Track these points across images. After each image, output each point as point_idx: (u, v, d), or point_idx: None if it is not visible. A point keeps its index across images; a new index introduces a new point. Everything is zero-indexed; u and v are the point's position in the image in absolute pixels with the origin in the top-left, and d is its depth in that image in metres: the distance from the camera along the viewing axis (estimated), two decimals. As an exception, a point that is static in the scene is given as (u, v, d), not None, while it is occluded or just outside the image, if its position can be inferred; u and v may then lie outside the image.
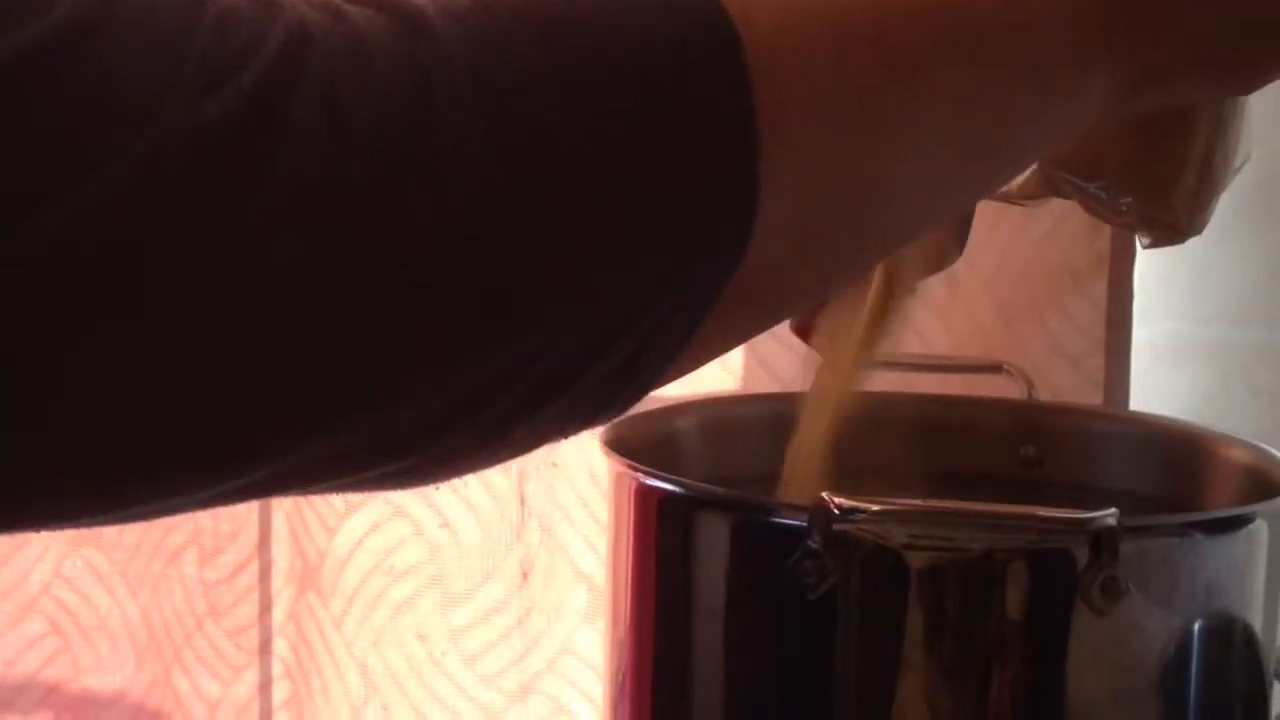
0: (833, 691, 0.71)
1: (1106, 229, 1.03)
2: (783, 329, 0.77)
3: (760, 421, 0.92)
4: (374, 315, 0.44)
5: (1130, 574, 0.67)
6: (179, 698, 1.24)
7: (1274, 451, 0.81)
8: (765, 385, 1.08)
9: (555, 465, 1.12)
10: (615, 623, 0.79)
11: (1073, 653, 0.70)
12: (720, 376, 1.09)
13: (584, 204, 0.45)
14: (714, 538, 0.74)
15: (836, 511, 0.66)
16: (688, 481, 0.76)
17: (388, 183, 0.43)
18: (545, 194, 0.45)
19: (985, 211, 0.75)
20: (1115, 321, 1.05)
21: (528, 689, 1.14)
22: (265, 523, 1.20)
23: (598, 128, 0.45)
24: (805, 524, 0.67)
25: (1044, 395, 0.98)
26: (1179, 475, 0.87)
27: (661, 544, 0.76)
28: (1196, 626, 0.71)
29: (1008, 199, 0.70)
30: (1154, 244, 0.68)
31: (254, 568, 1.21)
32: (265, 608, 1.21)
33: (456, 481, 1.13)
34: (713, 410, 0.93)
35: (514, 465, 1.12)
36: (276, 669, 1.21)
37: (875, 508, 0.67)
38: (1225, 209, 0.69)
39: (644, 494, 0.76)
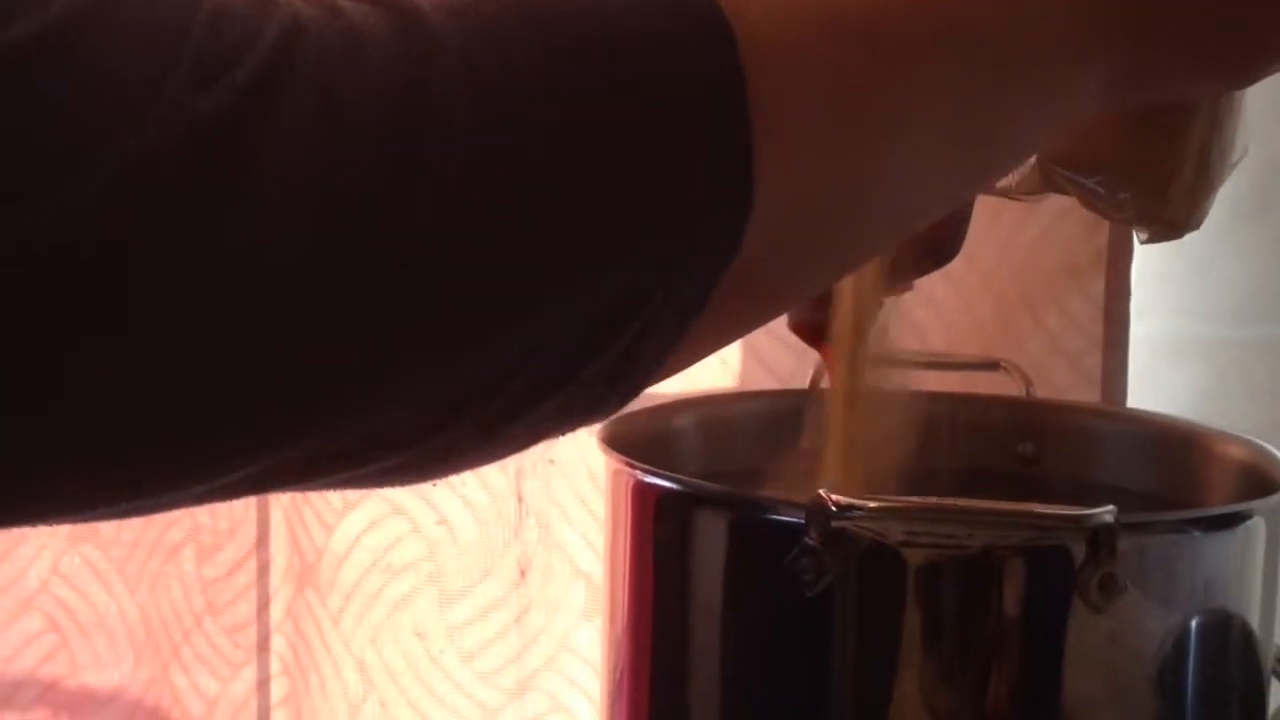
0: (830, 688, 0.71)
1: (1105, 226, 1.03)
2: (780, 327, 0.77)
3: (758, 419, 0.92)
4: (370, 312, 0.43)
5: (1128, 571, 0.67)
6: (177, 695, 1.24)
7: (1271, 448, 0.81)
8: (763, 383, 1.08)
9: (553, 463, 1.12)
10: (613, 620, 0.79)
11: (1070, 650, 0.70)
12: (718, 374, 1.09)
13: (579, 199, 0.45)
14: (712, 535, 0.74)
15: (834, 508, 0.66)
16: (685, 478, 0.76)
17: (383, 179, 0.43)
18: (541, 190, 0.45)
19: (983, 208, 0.75)
20: (1113, 319, 1.05)
21: (525, 686, 1.14)
22: (263, 520, 1.20)
23: (592, 124, 0.45)
24: (803, 521, 0.67)
25: (1042, 392, 0.98)
26: (1176, 472, 0.87)
27: (659, 541, 0.76)
28: (1194, 623, 0.71)
29: (1006, 195, 0.70)
30: (1151, 239, 0.68)
31: (252, 565, 1.21)
32: (263, 605, 1.21)
33: (454, 479, 1.13)
34: (710, 407, 0.93)
35: (511, 463, 1.12)
36: (274, 666, 1.21)
37: (873, 505, 0.67)
38: (1223, 207, 0.69)
39: (642, 491, 0.76)
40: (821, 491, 0.66)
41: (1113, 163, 0.66)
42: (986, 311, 1.06)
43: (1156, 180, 0.66)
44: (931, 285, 0.99)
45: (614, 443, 0.79)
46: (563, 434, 0.50)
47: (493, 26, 0.45)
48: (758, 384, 1.08)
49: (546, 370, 0.46)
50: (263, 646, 1.21)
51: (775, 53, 0.48)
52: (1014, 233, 1.05)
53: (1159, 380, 1.15)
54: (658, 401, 0.89)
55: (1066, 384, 1.05)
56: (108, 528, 1.24)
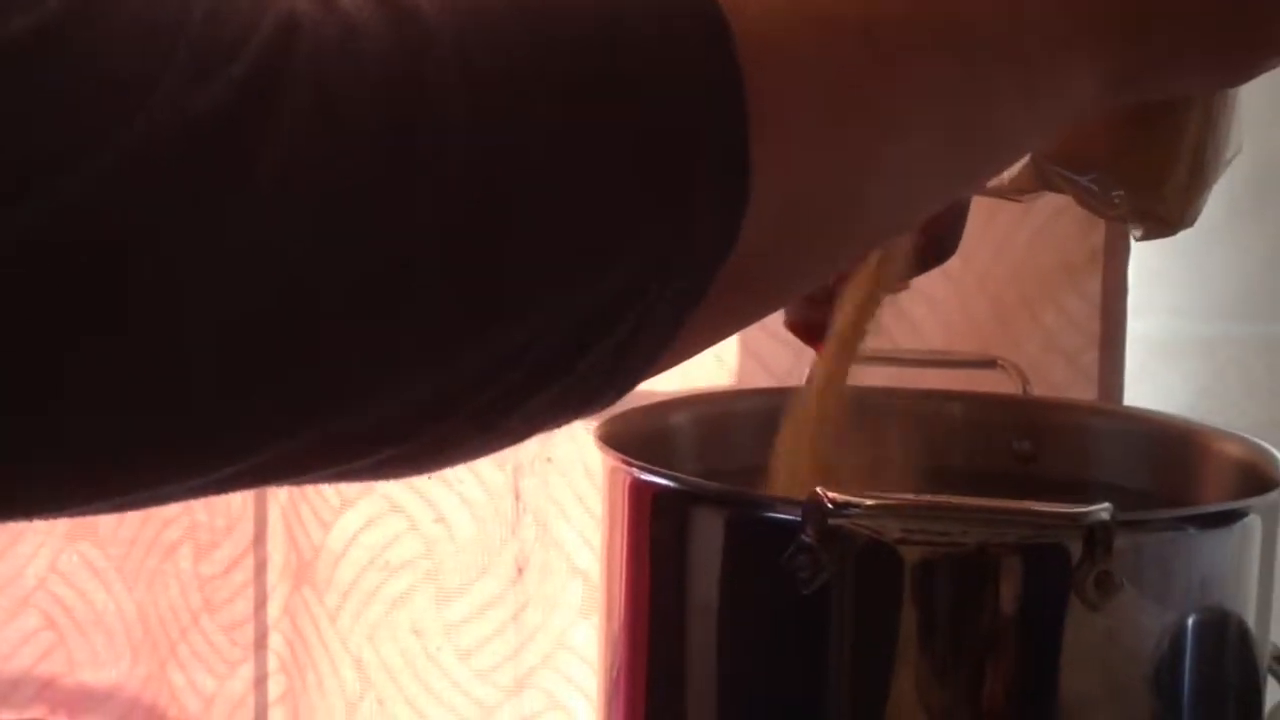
0: (827, 686, 0.71)
1: (1101, 224, 1.03)
2: (777, 325, 0.77)
3: (754, 416, 0.92)
4: (370, 309, 0.44)
5: (1124, 569, 0.67)
6: (174, 693, 1.24)
7: (1268, 446, 0.81)
8: (760, 380, 1.08)
9: (550, 460, 1.12)
10: (610, 617, 0.79)
11: (1066, 647, 0.70)
12: (715, 371, 1.09)
13: (579, 197, 0.45)
14: (708, 532, 0.74)
15: (831, 506, 0.66)
16: (682, 476, 0.76)
17: (379, 173, 0.43)
18: (541, 188, 0.45)
19: (979, 207, 0.75)
20: (1110, 316, 1.05)
21: (523, 684, 1.14)
22: (261, 518, 1.20)
23: (588, 118, 0.45)
24: (799, 519, 0.67)
25: (1038, 390, 0.98)
26: (1173, 470, 0.87)
27: (656, 539, 0.76)
28: (1190, 621, 0.71)
29: (1001, 194, 0.70)
30: (1146, 236, 0.68)
31: (249, 563, 1.21)
32: (260, 603, 1.21)
33: (452, 477, 1.13)
34: (707, 405, 0.93)
35: (509, 461, 1.12)
36: (272, 664, 1.21)
37: (869, 502, 0.67)
38: (1218, 204, 0.69)
39: (638, 489, 0.76)
40: (818, 489, 0.66)
41: (1107, 160, 0.66)
42: (983, 310, 1.06)
43: (1151, 177, 0.66)
44: (929, 284, 0.99)
45: (611, 440, 0.79)
46: (558, 427, 0.50)
47: (488, 21, 0.45)
48: (754, 382, 1.08)
49: (542, 364, 0.46)
50: (260, 644, 1.21)
51: (772, 50, 0.48)
52: (1010, 231, 1.05)
53: (1156, 378, 1.15)
54: (654, 399, 0.89)
55: (1063, 382, 1.05)
56: (105, 526, 1.24)
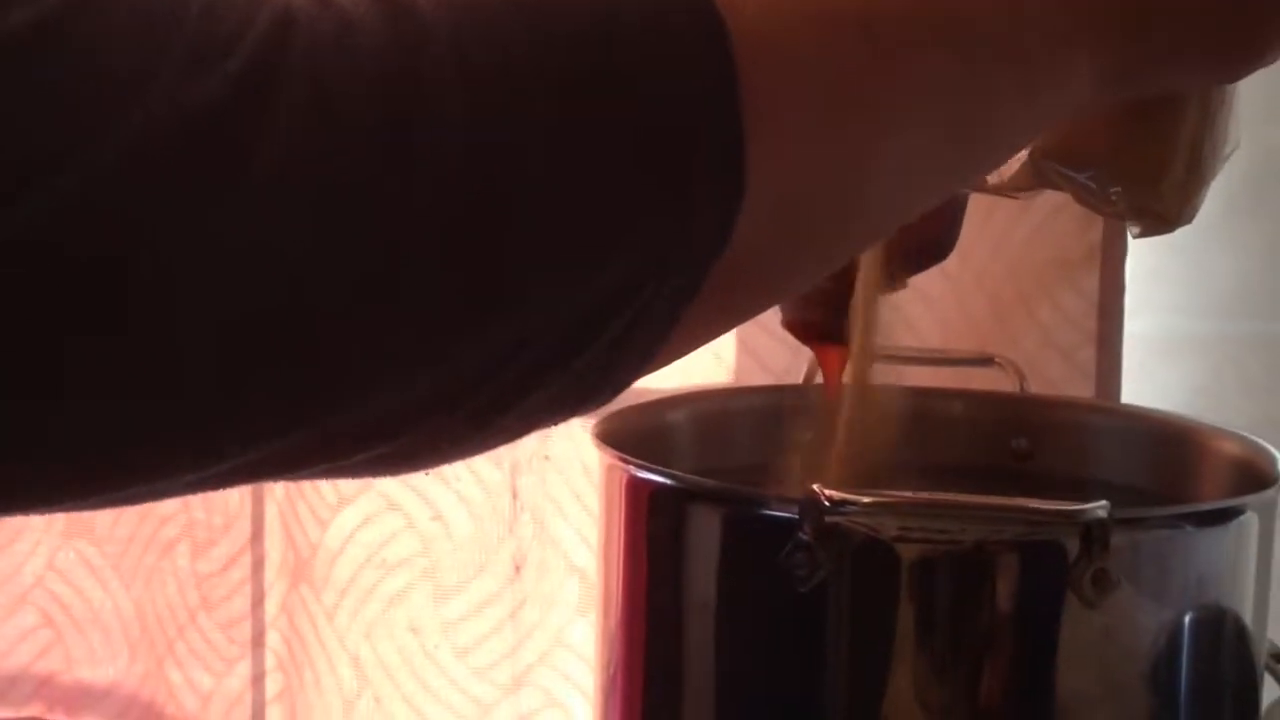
0: (824, 683, 0.71)
1: (1098, 222, 1.03)
2: (774, 323, 0.77)
3: (752, 414, 0.92)
4: (369, 306, 0.44)
5: (1121, 566, 0.67)
6: (172, 690, 1.24)
7: (1265, 444, 0.81)
8: (757, 378, 1.08)
9: (548, 458, 1.12)
10: (606, 615, 0.79)
11: (1063, 645, 0.70)
12: (712, 369, 1.09)
13: (571, 190, 0.45)
14: (705, 530, 0.74)
15: (828, 504, 0.66)
16: (679, 474, 0.76)
17: (376, 169, 0.43)
18: (534, 180, 0.45)
19: (977, 205, 0.75)
20: (1107, 314, 1.05)
21: (520, 681, 1.14)
22: (258, 516, 1.20)
23: (582, 113, 0.45)
24: (796, 516, 0.67)
25: (1036, 388, 0.98)
26: (1170, 468, 0.87)
27: (653, 537, 0.76)
28: (1187, 618, 0.71)
29: (999, 192, 0.70)
30: (1144, 233, 0.68)
31: (247, 561, 1.21)
32: (258, 601, 1.21)
33: (449, 474, 1.13)
34: (704, 403, 0.93)
35: (506, 458, 1.12)
36: (269, 662, 1.21)
37: (866, 500, 0.67)
38: (1216, 202, 0.69)
39: (635, 487, 0.76)
40: (815, 487, 0.66)
41: (1105, 157, 0.66)
42: (981, 308, 1.06)
43: (1148, 174, 0.66)
44: (926, 282, 0.99)
45: (608, 438, 0.79)
46: (555, 424, 0.50)
47: (484, 17, 0.45)
48: (752, 380, 1.08)
49: (538, 360, 0.46)
50: (257, 642, 1.21)
51: (769, 46, 0.48)
52: (1008, 229, 1.05)
53: (1154, 376, 1.15)
54: (652, 397, 0.89)
55: (1060, 379, 1.05)
56: (103, 523, 1.24)
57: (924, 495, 0.70)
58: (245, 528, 1.20)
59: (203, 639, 1.22)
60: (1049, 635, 0.70)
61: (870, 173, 0.51)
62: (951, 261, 0.79)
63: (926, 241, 0.75)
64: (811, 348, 0.82)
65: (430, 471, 1.11)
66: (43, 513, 0.46)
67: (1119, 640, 0.70)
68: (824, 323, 0.78)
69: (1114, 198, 0.66)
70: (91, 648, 1.25)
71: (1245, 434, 0.84)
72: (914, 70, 0.52)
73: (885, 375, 0.91)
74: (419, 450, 0.48)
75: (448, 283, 0.44)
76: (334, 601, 1.16)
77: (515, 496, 1.13)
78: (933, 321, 1.06)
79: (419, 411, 0.46)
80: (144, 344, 0.41)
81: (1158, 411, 0.92)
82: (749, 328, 1.06)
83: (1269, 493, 0.75)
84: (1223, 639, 0.74)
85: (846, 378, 0.79)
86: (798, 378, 0.96)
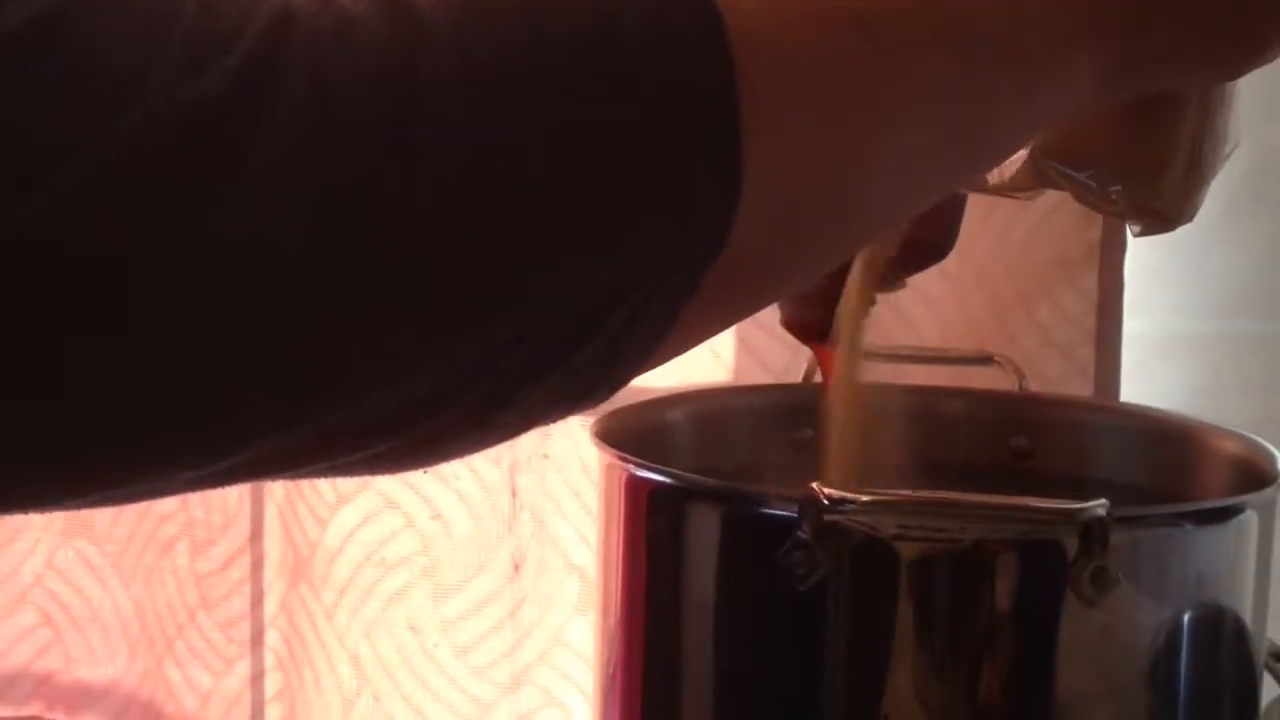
0: (823, 682, 0.71)
1: (1097, 220, 1.03)
2: (774, 321, 0.77)
3: (751, 413, 0.92)
4: (368, 304, 0.44)
5: (1120, 564, 0.67)
6: (171, 689, 1.24)
7: (1264, 443, 0.81)
8: (756, 377, 1.08)
9: (547, 457, 1.12)
10: (606, 614, 0.79)
11: (1063, 643, 0.70)
12: (711, 368, 1.09)
13: (571, 189, 0.45)
14: (704, 529, 0.74)
15: (826, 502, 0.66)
16: (678, 472, 0.76)
17: (375, 167, 0.43)
18: (535, 178, 0.45)
19: (976, 204, 0.75)
20: (1106, 313, 1.05)
21: (519, 680, 1.14)
22: (257, 515, 1.20)
23: (582, 112, 0.45)
24: (795, 515, 0.67)
25: (1035, 386, 0.98)
26: (1169, 466, 0.87)
27: (652, 535, 0.76)
28: (1186, 617, 0.71)
29: (999, 192, 0.70)
30: (1144, 232, 0.68)
31: (246, 560, 1.21)
32: (257, 599, 1.21)
33: (448, 473, 1.13)
34: (704, 402, 0.93)
35: (506, 457, 1.12)
36: (269, 661, 1.21)
37: (865, 498, 0.67)
38: (1216, 201, 0.69)
39: (634, 485, 0.76)
40: (814, 485, 0.66)
41: (1105, 156, 0.66)
42: (980, 307, 1.06)
43: (1149, 173, 0.66)
44: (926, 281, 0.99)
45: (607, 437, 0.79)
46: (553, 421, 0.50)
47: (484, 15, 0.45)
48: (751, 378, 1.08)
49: (536, 357, 0.46)
50: (257, 641, 1.21)
51: (768, 45, 0.48)
52: (1007, 228, 1.05)
53: (1153, 376, 1.15)
54: (651, 395, 0.89)
55: (1059, 378, 1.05)
56: (102, 522, 1.24)
57: (923, 494, 0.70)
58: (244, 527, 1.20)
59: (202, 638, 1.22)
60: (1048, 634, 0.70)
61: (869, 172, 0.51)
62: (951, 261, 0.79)
63: (926, 241, 0.75)
64: (810, 347, 0.82)
65: (429, 470, 1.11)
66: (42, 511, 0.46)
67: (1118, 639, 0.70)
68: (823, 322, 0.78)
69: (1114, 196, 0.66)
70: (91, 647, 1.25)
71: (1244, 433, 0.84)
72: (914, 70, 0.52)
73: (885, 374, 0.91)
74: (418, 447, 0.48)
75: (448, 281, 0.44)
76: (333, 600, 1.16)
77: (514, 495, 1.13)
78: (932, 320, 1.06)
79: (418, 409, 0.46)
80: (144, 343, 0.41)
81: (1157, 410, 0.92)
82: (748, 326, 1.06)
83: (1268, 491, 0.75)
84: (1222, 637, 0.74)
85: (834, 377, 0.79)
86: (797, 377, 0.96)
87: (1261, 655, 0.76)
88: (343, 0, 0.44)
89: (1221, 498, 0.79)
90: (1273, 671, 0.79)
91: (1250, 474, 0.79)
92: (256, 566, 1.20)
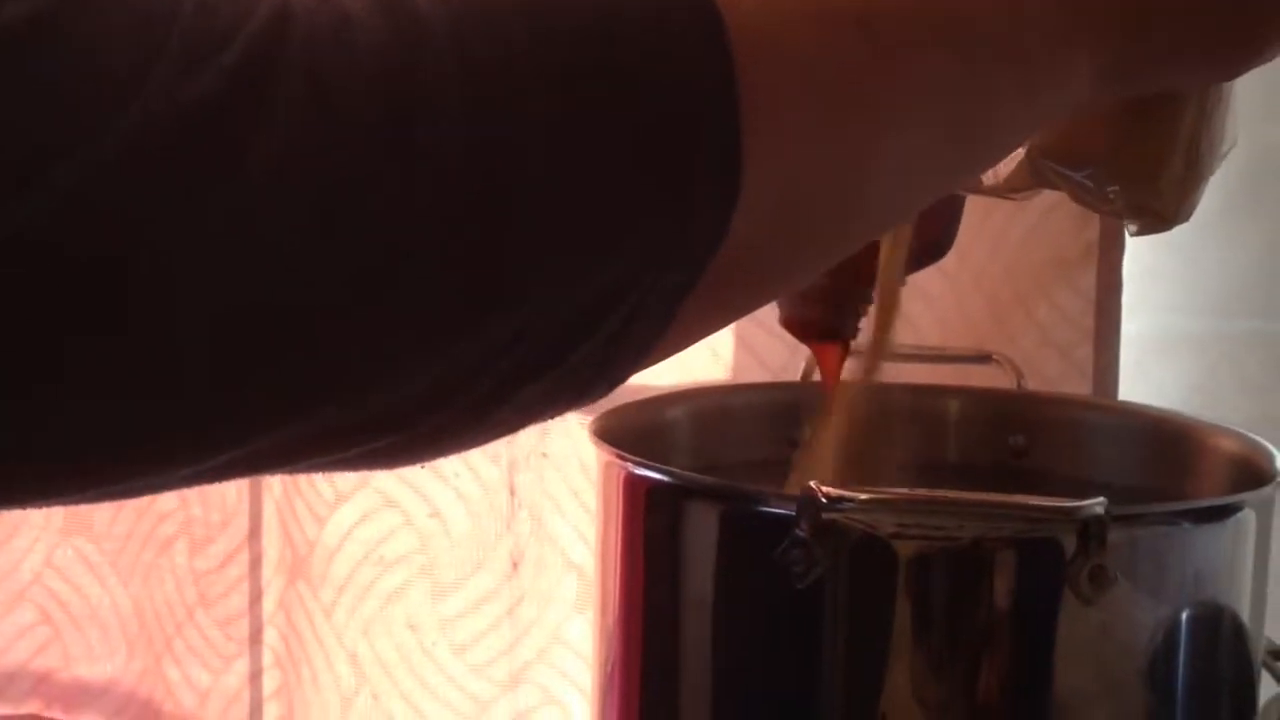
0: (821, 680, 0.71)
1: (1095, 220, 1.03)
2: (772, 319, 0.77)
3: (750, 411, 0.92)
4: (363, 297, 0.43)
5: (1118, 563, 0.67)
6: (170, 687, 1.24)
7: (1262, 441, 0.81)
8: (755, 375, 1.08)
9: (546, 455, 1.12)
10: (604, 612, 0.79)
11: (1060, 642, 0.70)
12: (710, 366, 1.09)
13: (571, 188, 0.45)
14: (702, 527, 0.74)
15: (825, 500, 0.66)
16: (676, 471, 0.76)
17: (374, 165, 0.43)
18: (535, 176, 0.45)
19: (975, 203, 0.75)
20: (1104, 312, 1.05)
21: (518, 678, 1.14)
22: (256, 513, 1.20)
23: (582, 111, 0.45)
24: (793, 513, 0.67)
25: (1033, 385, 0.98)
26: (1167, 465, 0.87)
27: (650, 533, 0.76)
28: (1184, 615, 0.72)
29: (997, 193, 0.70)
30: (1142, 231, 0.68)
31: (244, 558, 1.21)
32: (255, 597, 1.21)
33: (447, 471, 1.13)
34: (702, 400, 0.93)
35: (504, 455, 1.12)
36: (267, 659, 1.21)
37: (864, 496, 0.67)
38: (1213, 200, 0.69)
39: (633, 483, 0.76)
40: (812, 483, 0.66)
41: (1102, 156, 0.66)
42: (979, 306, 1.06)
43: (1146, 172, 0.66)
44: (925, 280, 0.99)
45: (605, 435, 0.79)
46: (550, 418, 0.50)
47: (484, 12, 0.45)
48: (750, 377, 1.08)
49: (535, 353, 0.46)
50: (255, 639, 1.21)
51: (768, 43, 0.48)
52: (1005, 227, 1.05)
53: (1150, 374, 1.15)
54: (649, 394, 0.89)
55: (1058, 377, 1.05)
56: (100, 521, 1.24)
57: (921, 492, 0.70)
58: (243, 524, 1.20)
59: (200, 636, 1.22)
60: (1046, 632, 0.70)
61: (869, 171, 0.51)
62: (950, 260, 0.80)
63: (925, 240, 0.75)
64: (809, 345, 0.82)
65: (428, 468, 1.11)
66: (39, 506, 0.46)
67: (1116, 637, 0.71)
68: (822, 320, 0.78)
69: (1112, 196, 0.66)
70: (89, 645, 1.25)
71: (1242, 431, 0.84)
72: (913, 69, 0.52)
73: (884, 372, 0.91)
74: (417, 443, 0.48)
75: (447, 280, 0.44)
76: (331, 598, 1.16)
77: (513, 493, 1.13)
78: (931, 319, 1.06)
79: (417, 407, 0.46)
80: (143, 342, 0.41)
81: (1155, 409, 0.92)
82: (747, 325, 1.06)
83: (1266, 490, 0.75)
84: (1220, 636, 0.74)
85: (846, 374, 0.79)
86: (795, 375, 0.96)
87: (1259, 653, 0.77)
88: None
89: (1219, 496, 0.79)
90: (1270, 670, 0.80)
91: (1248, 472, 0.79)
92: (255, 564, 1.20)
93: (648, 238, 0.46)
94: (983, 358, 0.98)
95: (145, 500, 1.19)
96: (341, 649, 1.16)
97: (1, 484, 0.43)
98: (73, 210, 0.40)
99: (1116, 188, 0.66)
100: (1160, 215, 0.67)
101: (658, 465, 0.75)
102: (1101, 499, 0.66)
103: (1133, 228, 0.69)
